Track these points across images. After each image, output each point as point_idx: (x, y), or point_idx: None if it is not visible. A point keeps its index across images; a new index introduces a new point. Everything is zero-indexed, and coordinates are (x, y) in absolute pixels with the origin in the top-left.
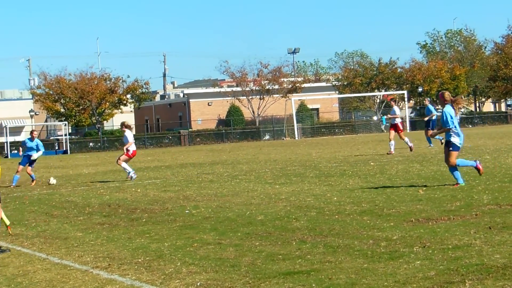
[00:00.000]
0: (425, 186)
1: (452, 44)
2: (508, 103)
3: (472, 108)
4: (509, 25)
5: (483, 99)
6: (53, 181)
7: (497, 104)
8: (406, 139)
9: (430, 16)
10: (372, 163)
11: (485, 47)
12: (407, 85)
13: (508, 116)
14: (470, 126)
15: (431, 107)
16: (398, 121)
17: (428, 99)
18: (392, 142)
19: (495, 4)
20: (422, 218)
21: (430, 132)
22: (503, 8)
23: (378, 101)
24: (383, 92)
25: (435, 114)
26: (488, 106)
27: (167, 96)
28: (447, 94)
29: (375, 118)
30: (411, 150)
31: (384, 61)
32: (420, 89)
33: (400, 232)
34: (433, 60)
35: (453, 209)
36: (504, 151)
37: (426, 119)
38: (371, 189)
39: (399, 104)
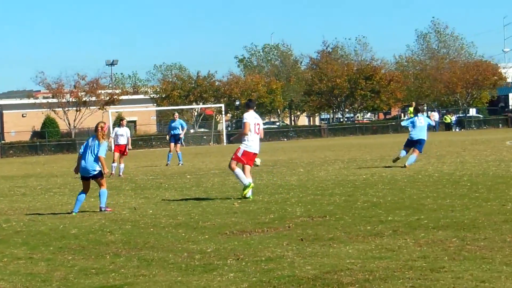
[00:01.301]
0: (240, 198)
1: (269, 58)
2: (322, 117)
3: (287, 121)
4: (324, 41)
5: (298, 113)
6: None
7: (311, 118)
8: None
9: (248, 31)
10: (188, 176)
11: (301, 62)
12: (225, 98)
13: (322, 130)
14: (285, 139)
15: None
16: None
17: None
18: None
19: (311, 20)
20: (237, 231)
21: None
22: (319, 24)
23: (196, 114)
24: (201, 105)
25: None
26: (303, 120)
27: None
28: None
29: (192, 131)
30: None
31: (202, 74)
32: (237, 103)
33: (214, 245)
34: (250, 74)
35: (267, 221)
36: (317, 164)
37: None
38: (187, 201)
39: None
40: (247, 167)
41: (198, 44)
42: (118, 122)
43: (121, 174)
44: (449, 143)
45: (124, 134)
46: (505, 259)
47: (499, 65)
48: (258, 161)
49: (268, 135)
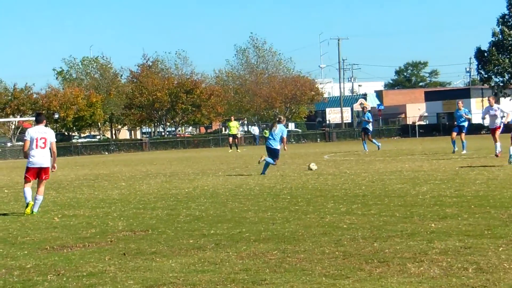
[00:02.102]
0: (61, 213)
1: (89, 71)
2: (144, 130)
3: (108, 135)
4: (144, 54)
5: (119, 126)
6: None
7: (132, 132)
8: None
9: (66, 42)
10: (6, 190)
11: (121, 75)
12: (44, 111)
13: (144, 144)
14: (107, 153)
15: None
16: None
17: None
18: None
19: (131, 33)
20: (57, 246)
21: None
22: (139, 38)
23: (13, 127)
24: (18, 118)
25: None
26: (124, 134)
27: None
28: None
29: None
30: None
31: (19, 86)
32: (56, 116)
33: (34, 260)
34: (69, 87)
35: (89, 236)
36: (139, 178)
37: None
38: (4, 216)
39: None
40: (43, 183)
41: (13, 55)
42: None
43: None
44: None
45: None
46: (324, 270)
47: (316, 80)
48: (314, 166)
49: (89, 149)
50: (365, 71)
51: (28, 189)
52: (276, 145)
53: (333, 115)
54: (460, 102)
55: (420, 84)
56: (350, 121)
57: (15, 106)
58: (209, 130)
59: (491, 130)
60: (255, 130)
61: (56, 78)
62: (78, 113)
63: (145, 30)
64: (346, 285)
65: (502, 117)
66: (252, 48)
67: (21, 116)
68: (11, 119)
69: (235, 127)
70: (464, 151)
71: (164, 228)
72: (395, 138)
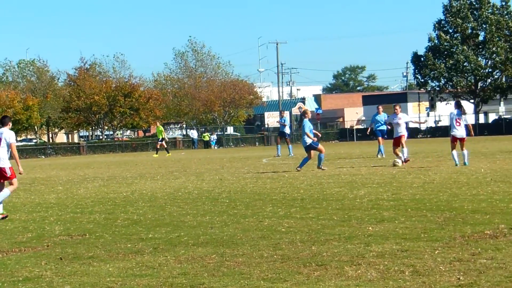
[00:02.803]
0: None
1: (25, 74)
2: (81, 134)
3: (45, 138)
4: (81, 57)
5: (57, 130)
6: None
7: (70, 135)
8: None
9: (2, 46)
10: None
11: (58, 78)
12: None
13: (81, 148)
14: (43, 156)
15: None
16: None
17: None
18: None
19: (67, 36)
20: None
21: None
22: (76, 40)
23: None
24: None
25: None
26: (61, 137)
27: None
28: None
29: None
30: None
31: None
32: None
33: None
34: (5, 90)
35: (25, 240)
36: (77, 182)
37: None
38: None
39: None
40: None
41: None
42: None
43: None
44: (208, 160)
45: None
46: (263, 274)
47: (255, 84)
48: (399, 162)
49: (25, 153)
50: (303, 75)
51: None
52: (306, 141)
53: (271, 119)
54: (380, 106)
55: (358, 88)
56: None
57: None
58: (147, 134)
59: (394, 139)
60: (193, 134)
61: None
62: (14, 117)
63: (83, 33)
64: None
65: (406, 127)
66: (190, 51)
67: None
68: None
69: (162, 131)
70: (379, 155)
71: (101, 232)
72: (333, 142)
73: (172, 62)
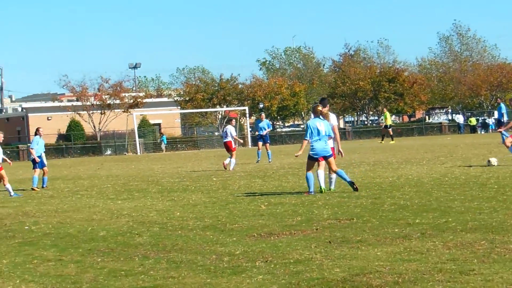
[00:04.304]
0: (267, 201)
1: (292, 61)
2: (346, 119)
3: None
4: (346, 43)
5: None
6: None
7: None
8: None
9: (269, 34)
10: (214, 179)
11: (324, 65)
12: (248, 101)
13: (347, 133)
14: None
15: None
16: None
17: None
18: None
19: (332, 23)
20: (264, 233)
21: None
22: (340, 27)
23: (220, 116)
24: (224, 108)
25: None
26: None
27: (4, 110)
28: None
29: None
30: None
31: (225, 77)
32: (261, 105)
33: (242, 247)
34: (273, 77)
35: (294, 223)
36: (344, 166)
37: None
38: (214, 204)
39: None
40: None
41: (219, 47)
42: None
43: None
44: (474, 145)
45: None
46: None
47: None
48: (495, 162)
49: (293, 138)
50: None
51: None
52: None
53: None
54: (263, 113)
55: None
56: None
57: (221, 96)
58: (412, 119)
59: None
60: (459, 118)
61: (260, 68)
62: (282, 103)
63: (347, 20)
64: None
65: None
66: (455, 35)
67: (227, 106)
68: (218, 109)
69: (388, 117)
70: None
71: (368, 216)
72: None
73: (437, 47)
